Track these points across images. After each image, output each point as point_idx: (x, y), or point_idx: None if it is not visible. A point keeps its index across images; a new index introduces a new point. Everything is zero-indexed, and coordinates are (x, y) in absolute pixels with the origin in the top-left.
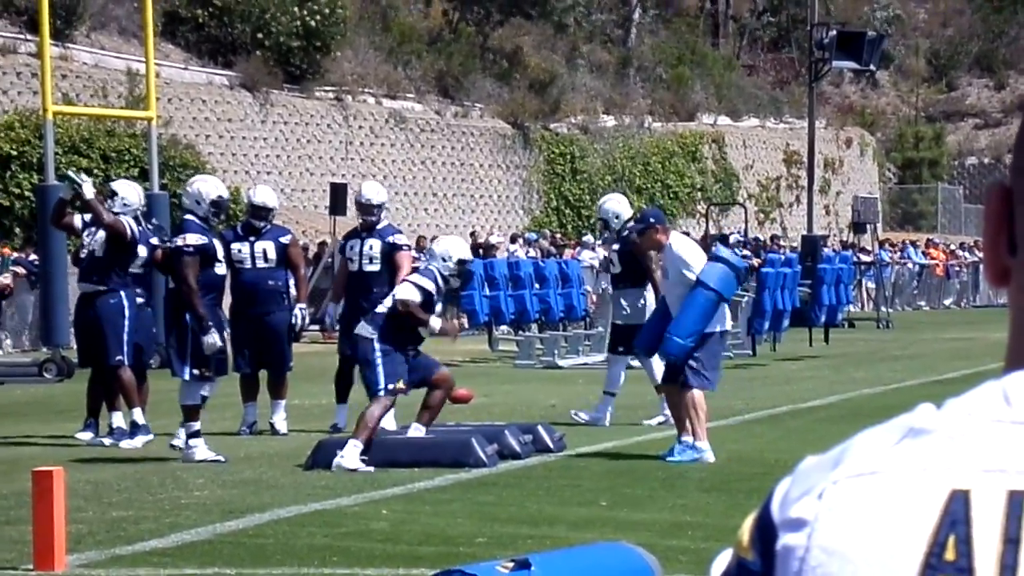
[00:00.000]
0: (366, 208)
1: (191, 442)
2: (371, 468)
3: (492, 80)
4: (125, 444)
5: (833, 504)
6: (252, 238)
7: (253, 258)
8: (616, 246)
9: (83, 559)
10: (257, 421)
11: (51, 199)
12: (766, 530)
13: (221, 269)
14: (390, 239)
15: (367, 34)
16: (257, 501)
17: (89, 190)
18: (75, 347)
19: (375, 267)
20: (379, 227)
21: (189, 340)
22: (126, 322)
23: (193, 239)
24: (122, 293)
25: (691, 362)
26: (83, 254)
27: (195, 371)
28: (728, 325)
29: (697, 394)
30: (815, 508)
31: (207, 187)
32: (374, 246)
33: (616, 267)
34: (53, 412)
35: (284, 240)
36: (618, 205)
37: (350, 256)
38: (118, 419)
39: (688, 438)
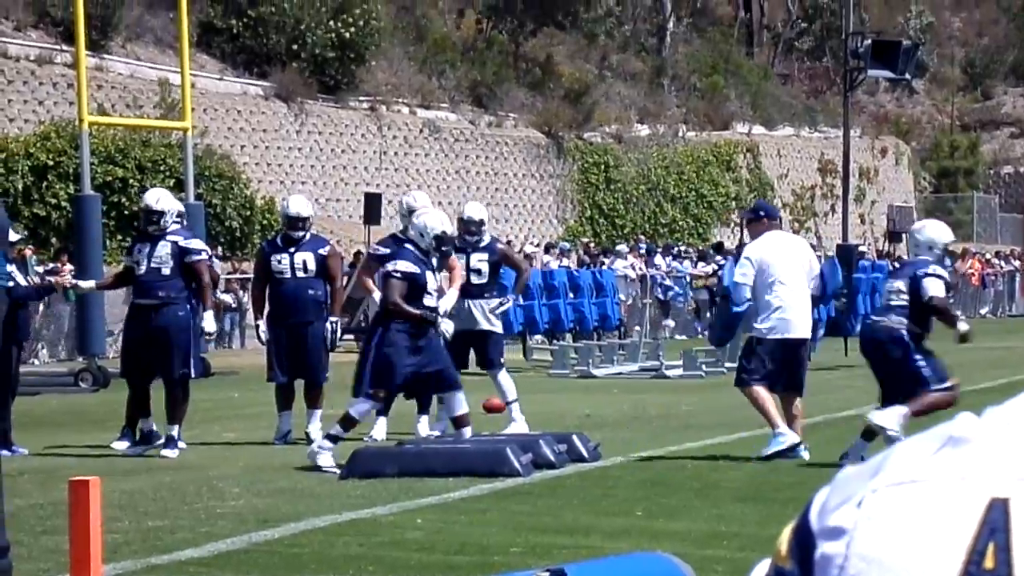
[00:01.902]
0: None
1: (325, 443)
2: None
3: (525, 90)
4: (168, 454)
5: (872, 512)
6: (291, 249)
7: (293, 269)
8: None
9: (119, 569)
10: (292, 431)
11: (87, 209)
12: (804, 539)
13: (430, 301)
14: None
15: (401, 44)
16: (292, 510)
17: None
18: (119, 358)
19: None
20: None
21: (371, 359)
22: (192, 336)
23: (404, 266)
24: (188, 307)
25: (745, 362)
26: (142, 270)
27: (370, 391)
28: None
29: (758, 389)
30: (854, 516)
31: (433, 221)
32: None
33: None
34: (89, 422)
35: (323, 251)
36: (476, 211)
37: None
38: (174, 430)
39: (784, 431)
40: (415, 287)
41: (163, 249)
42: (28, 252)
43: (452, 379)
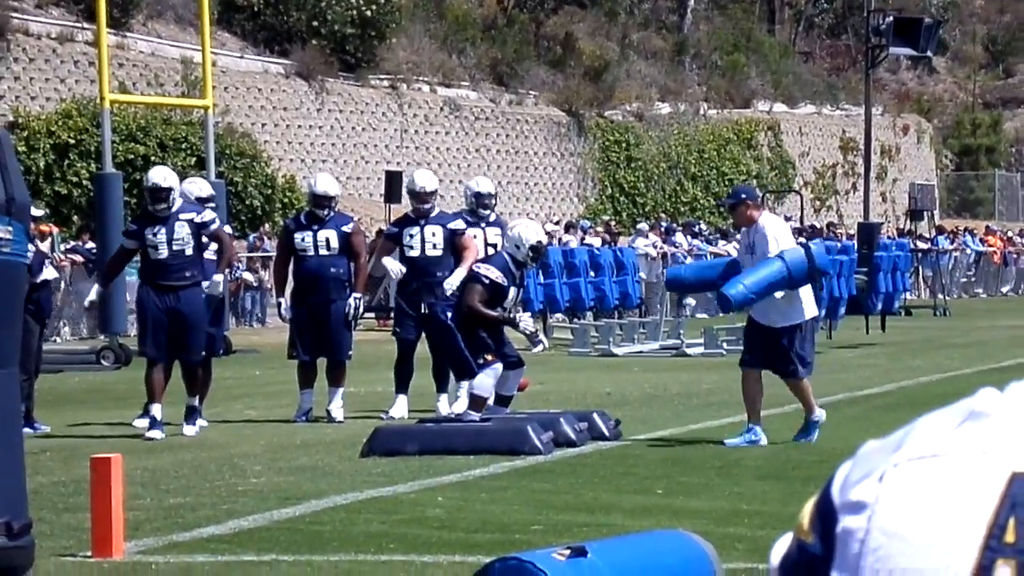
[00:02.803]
0: (421, 196)
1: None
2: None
3: (546, 67)
4: (189, 431)
5: (894, 487)
6: (315, 226)
7: (316, 246)
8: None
9: (141, 546)
10: (313, 408)
11: (109, 187)
12: (827, 513)
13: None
14: (450, 225)
15: (422, 22)
16: (314, 488)
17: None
18: (149, 339)
19: (438, 252)
20: (434, 214)
21: (462, 344)
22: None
23: (495, 275)
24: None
25: (797, 350)
26: (164, 253)
27: (479, 360)
28: (814, 312)
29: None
30: (876, 491)
31: (528, 232)
32: (436, 232)
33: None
34: (110, 399)
35: (347, 228)
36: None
37: (409, 243)
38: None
39: (816, 415)
40: (496, 298)
41: (182, 230)
42: (54, 229)
43: (516, 357)
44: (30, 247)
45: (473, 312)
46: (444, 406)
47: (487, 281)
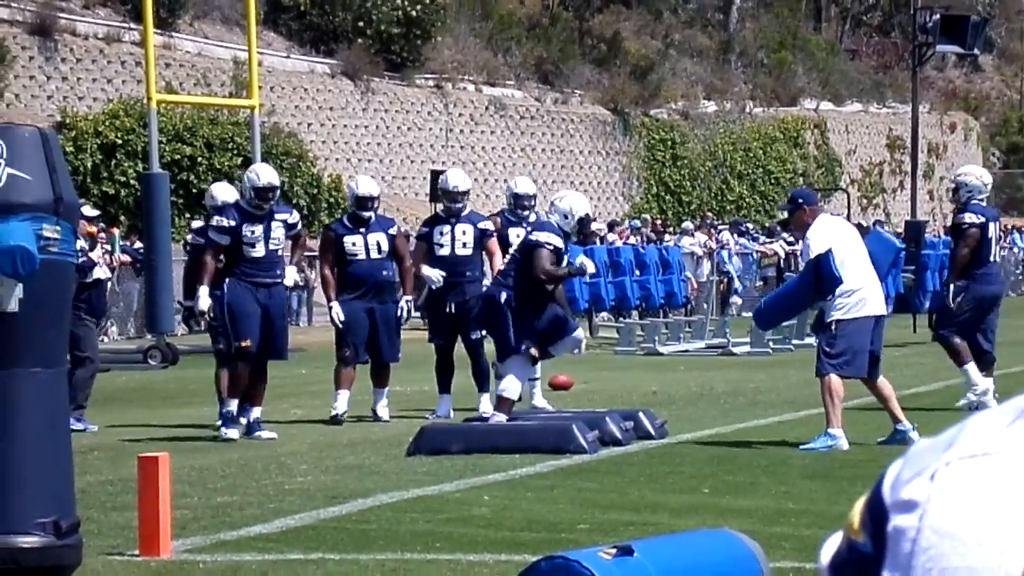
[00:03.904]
0: (453, 196)
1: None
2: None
3: (591, 66)
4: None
5: (945, 485)
6: (362, 229)
7: (367, 249)
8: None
9: (188, 544)
10: (347, 410)
11: (156, 187)
12: (877, 512)
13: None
14: (481, 225)
15: (467, 21)
16: (360, 487)
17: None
18: (244, 334)
19: (468, 251)
20: (465, 213)
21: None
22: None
23: (555, 240)
24: None
25: (826, 348)
26: (260, 251)
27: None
28: (881, 311)
29: (834, 379)
30: (927, 489)
31: (577, 204)
32: (467, 231)
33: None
34: (158, 399)
35: (392, 231)
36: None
37: (439, 242)
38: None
39: (833, 428)
40: (556, 264)
41: (278, 230)
42: (115, 230)
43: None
44: (83, 247)
45: (548, 275)
46: (486, 406)
47: (551, 247)
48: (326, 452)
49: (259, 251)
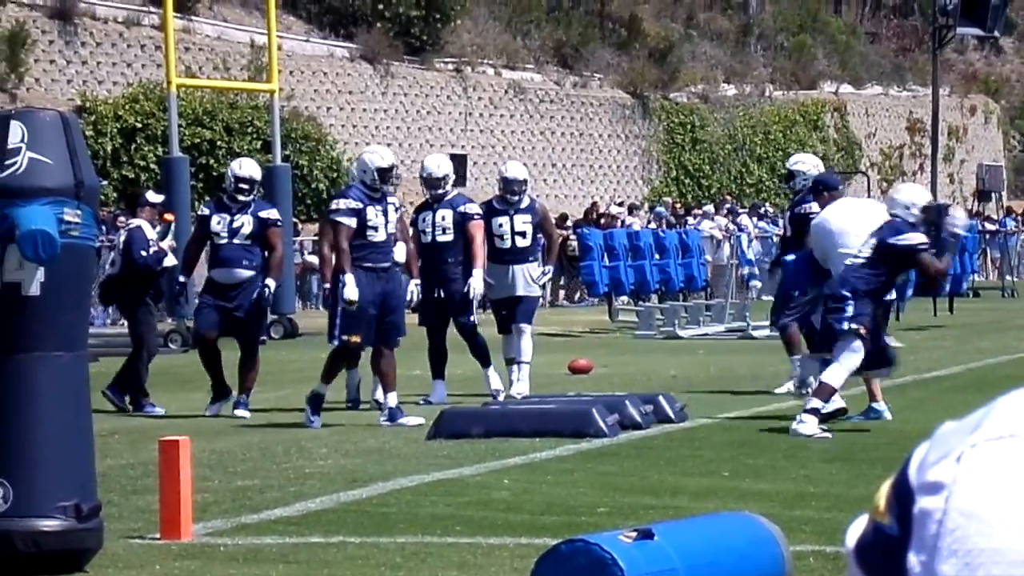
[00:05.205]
0: (431, 182)
1: (803, 417)
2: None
3: (611, 49)
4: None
5: (971, 467)
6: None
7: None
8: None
9: (209, 528)
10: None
11: (176, 171)
12: (903, 494)
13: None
14: (461, 208)
15: (486, 4)
16: (380, 470)
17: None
18: (357, 321)
19: (448, 237)
20: (448, 197)
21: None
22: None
23: (920, 237)
24: None
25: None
26: (382, 235)
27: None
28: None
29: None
30: (953, 471)
31: (916, 194)
32: (447, 216)
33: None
34: (177, 382)
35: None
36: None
37: (422, 228)
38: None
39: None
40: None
41: (394, 214)
42: (170, 216)
43: None
44: (153, 236)
45: (940, 272)
46: (496, 381)
47: (923, 246)
48: (346, 436)
49: (381, 235)
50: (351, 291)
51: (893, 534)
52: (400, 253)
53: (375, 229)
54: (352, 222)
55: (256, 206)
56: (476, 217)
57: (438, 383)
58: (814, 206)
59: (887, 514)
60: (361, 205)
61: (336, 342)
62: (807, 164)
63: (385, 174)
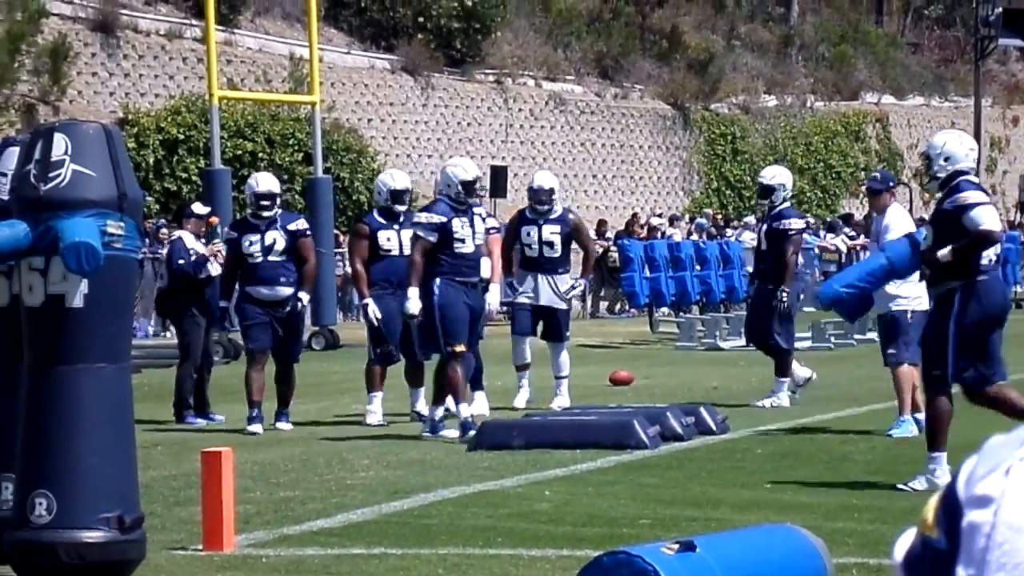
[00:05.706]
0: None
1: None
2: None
3: (652, 61)
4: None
5: (1020, 481)
6: (396, 225)
7: (400, 245)
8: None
9: (251, 539)
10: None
11: (217, 183)
12: (952, 508)
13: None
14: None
15: (527, 16)
16: (422, 482)
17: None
18: (457, 332)
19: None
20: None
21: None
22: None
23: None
24: None
25: (902, 337)
26: (470, 247)
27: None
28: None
29: (906, 369)
30: (1002, 485)
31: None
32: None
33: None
34: (220, 394)
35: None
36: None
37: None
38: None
39: (906, 414)
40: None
41: (480, 225)
42: (215, 220)
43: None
44: (195, 247)
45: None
46: (479, 405)
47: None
48: (387, 447)
49: (469, 247)
50: (414, 305)
51: (941, 548)
52: (486, 268)
53: (462, 241)
54: (433, 237)
55: (283, 219)
56: (492, 231)
57: (478, 394)
58: (793, 222)
59: (935, 528)
60: (445, 219)
61: (373, 357)
62: (783, 178)
63: (469, 187)
